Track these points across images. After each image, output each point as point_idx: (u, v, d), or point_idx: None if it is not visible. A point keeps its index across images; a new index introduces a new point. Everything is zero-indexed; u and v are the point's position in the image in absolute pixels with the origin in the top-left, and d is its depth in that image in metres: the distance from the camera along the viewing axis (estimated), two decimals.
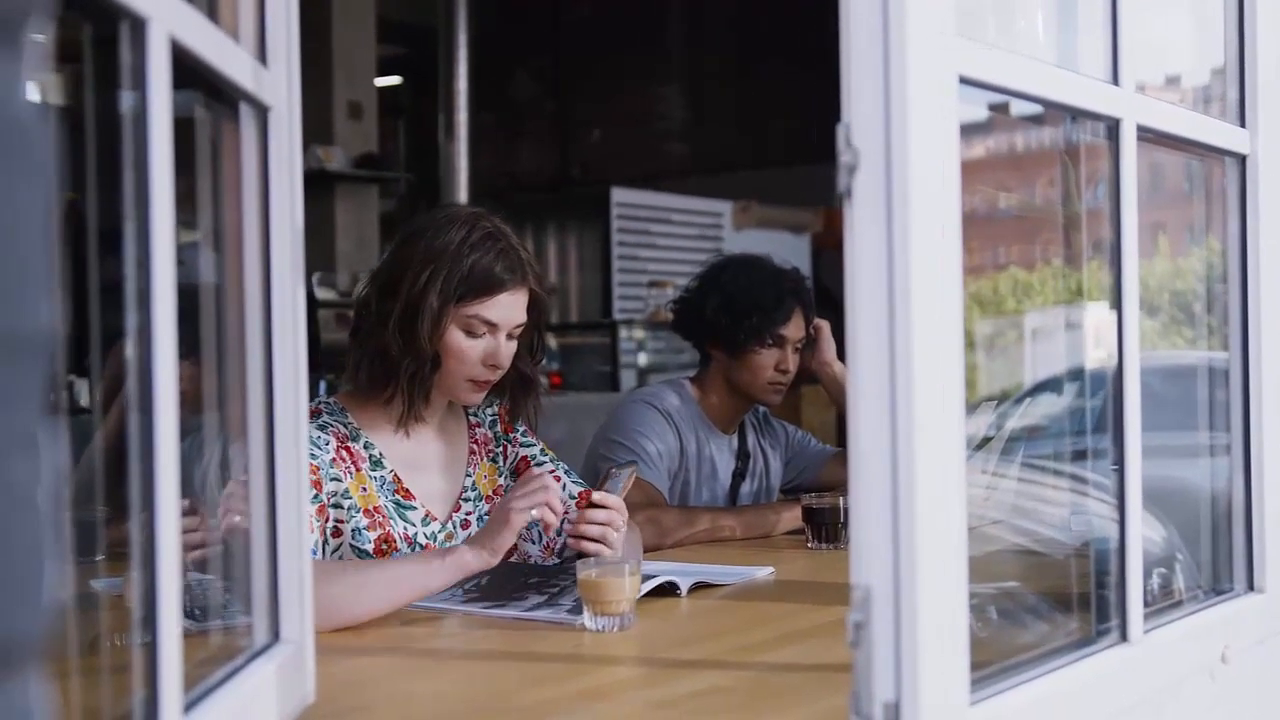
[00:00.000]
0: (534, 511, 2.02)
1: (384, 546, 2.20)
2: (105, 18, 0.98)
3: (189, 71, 1.11)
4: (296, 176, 1.39)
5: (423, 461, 2.33)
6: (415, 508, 2.27)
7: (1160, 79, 1.96)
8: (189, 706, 1.08)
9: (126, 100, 1.00)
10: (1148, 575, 1.68)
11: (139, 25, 0.99)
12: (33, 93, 0.57)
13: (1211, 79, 2.00)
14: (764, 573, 2.39)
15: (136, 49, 0.99)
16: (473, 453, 2.41)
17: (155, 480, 1.00)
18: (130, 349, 1.01)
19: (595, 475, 2.99)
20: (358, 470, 2.22)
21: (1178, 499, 1.97)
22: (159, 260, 1.01)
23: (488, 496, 2.39)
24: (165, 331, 1.01)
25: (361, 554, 2.19)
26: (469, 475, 2.39)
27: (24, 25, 0.56)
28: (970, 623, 1.26)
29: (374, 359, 2.23)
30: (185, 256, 1.08)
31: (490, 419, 2.46)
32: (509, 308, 2.24)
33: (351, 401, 2.29)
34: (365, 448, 2.26)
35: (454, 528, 2.32)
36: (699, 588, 2.22)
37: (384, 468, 2.26)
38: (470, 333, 2.22)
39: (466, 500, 2.37)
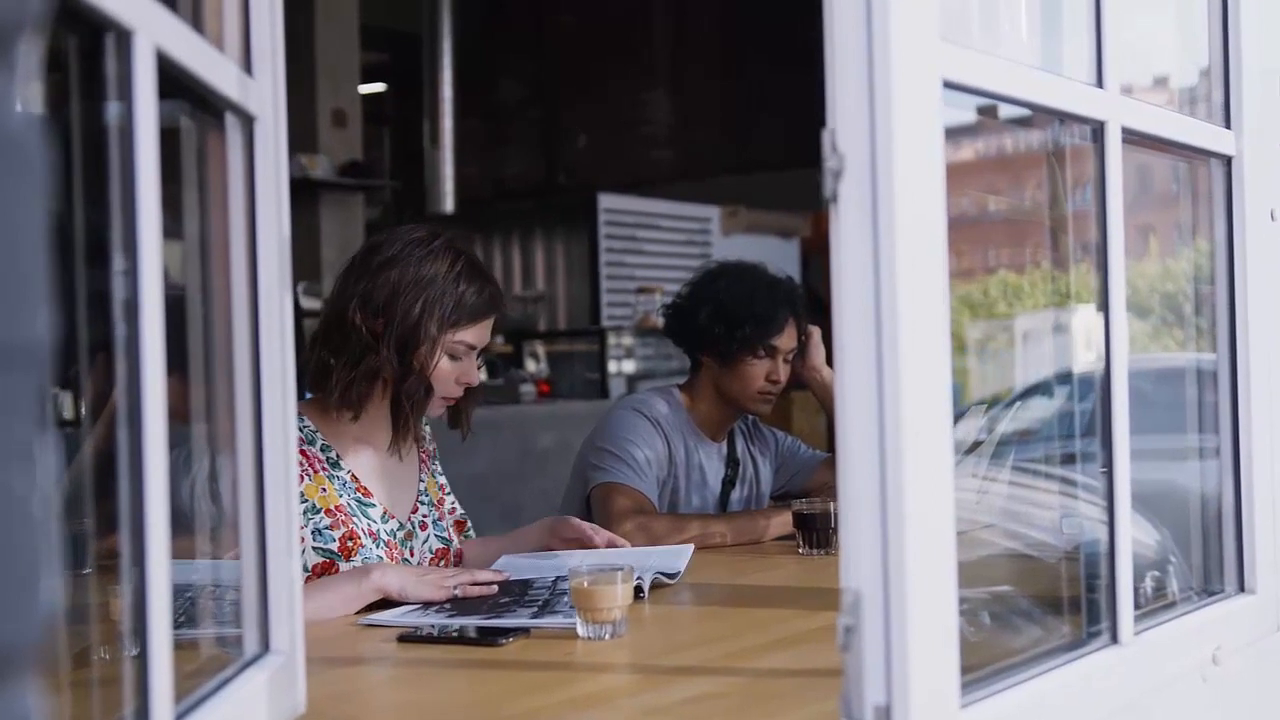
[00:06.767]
0: (457, 590, 2.17)
1: (349, 544, 2.28)
2: (91, 28, 0.97)
3: (173, 81, 1.11)
4: (283, 187, 1.39)
5: (379, 467, 2.42)
6: (374, 505, 2.37)
7: (1145, 80, 1.97)
8: (179, 717, 1.08)
9: (112, 111, 1.00)
10: (1141, 578, 1.69)
11: (125, 36, 0.99)
12: (26, 104, 0.57)
13: (1197, 80, 2.00)
14: (685, 551, 2.47)
15: (122, 60, 0.99)
16: (423, 462, 2.53)
17: (144, 491, 1.00)
18: (118, 360, 1.01)
19: (583, 483, 3.00)
20: (315, 472, 2.31)
21: (1169, 501, 1.98)
22: (146, 271, 1.00)
23: (436, 503, 2.52)
24: (153, 342, 1.01)
25: (326, 554, 2.26)
26: (421, 481, 2.51)
27: (18, 38, 0.56)
28: (962, 626, 1.26)
29: (364, 380, 2.31)
30: (170, 267, 1.07)
31: (429, 433, 2.59)
32: (487, 331, 2.40)
33: (311, 409, 2.37)
34: (322, 450, 2.34)
35: (413, 527, 2.44)
36: (658, 586, 2.26)
37: (342, 469, 2.35)
38: (453, 356, 2.35)
39: (422, 503, 2.49)
